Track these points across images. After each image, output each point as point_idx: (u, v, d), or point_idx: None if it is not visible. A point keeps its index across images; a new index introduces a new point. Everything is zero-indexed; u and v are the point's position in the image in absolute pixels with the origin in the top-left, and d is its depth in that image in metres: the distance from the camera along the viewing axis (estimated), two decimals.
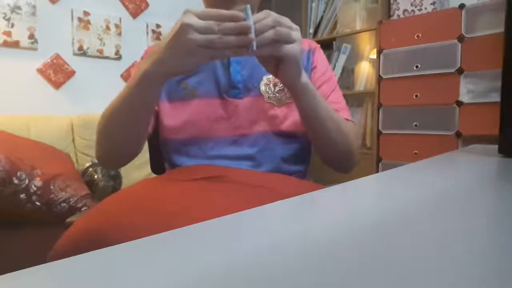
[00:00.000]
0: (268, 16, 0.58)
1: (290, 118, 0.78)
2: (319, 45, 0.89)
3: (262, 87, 0.79)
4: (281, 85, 0.79)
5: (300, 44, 0.60)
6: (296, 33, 0.60)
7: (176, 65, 0.59)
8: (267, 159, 0.76)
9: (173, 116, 0.79)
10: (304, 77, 0.66)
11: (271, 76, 0.80)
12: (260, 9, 0.85)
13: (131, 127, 0.69)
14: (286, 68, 0.62)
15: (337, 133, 0.73)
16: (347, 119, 0.82)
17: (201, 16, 0.55)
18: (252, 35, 0.56)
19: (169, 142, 0.80)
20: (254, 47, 0.57)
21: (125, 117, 0.68)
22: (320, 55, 0.87)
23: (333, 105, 0.82)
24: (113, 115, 0.68)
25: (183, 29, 0.54)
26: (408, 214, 0.31)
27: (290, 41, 0.59)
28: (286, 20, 0.59)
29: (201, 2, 0.83)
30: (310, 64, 0.85)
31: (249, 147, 0.76)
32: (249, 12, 0.56)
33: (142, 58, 0.88)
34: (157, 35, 2.70)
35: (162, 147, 0.83)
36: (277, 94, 0.79)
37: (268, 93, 0.78)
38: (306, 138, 0.80)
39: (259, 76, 0.80)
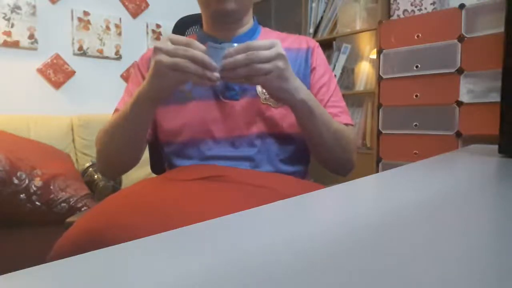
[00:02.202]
0: (243, 52, 0.60)
1: (287, 119, 0.77)
2: (318, 44, 0.88)
3: (259, 88, 0.79)
4: None
5: (278, 73, 0.62)
6: (270, 65, 0.61)
7: (155, 88, 0.64)
8: (265, 160, 0.76)
9: (170, 119, 0.79)
10: (301, 94, 0.67)
11: None
12: (258, 9, 0.85)
13: (129, 139, 0.75)
14: (271, 92, 0.65)
15: (334, 143, 0.74)
16: (347, 124, 0.82)
17: (173, 42, 0.60)
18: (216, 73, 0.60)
19: (168, 145, 0.81)
20: (217, 84, 0.62)
21: (123, 131, 0.73)
22: (319, 55, 0.86)
23: (333, 109, 0.82)
24: (114, 129, 0.74)
25: (154, 51, 0.60)
26: (408, 214, 0.31)
27: (264, 73, 0.61)
28: (261, 54, 0.60)
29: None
30: (309, 65, 0.84)
31: (246, 148, 0.76)
32: (215, 48, 0.60)
33: (140, 59, 0.88)
34: (157, 35, 2.70)
35: (162, 150, 0.84)
36: None
37: (264, 94, 0.78)
38: (304, 139, 0.80)
39: None
